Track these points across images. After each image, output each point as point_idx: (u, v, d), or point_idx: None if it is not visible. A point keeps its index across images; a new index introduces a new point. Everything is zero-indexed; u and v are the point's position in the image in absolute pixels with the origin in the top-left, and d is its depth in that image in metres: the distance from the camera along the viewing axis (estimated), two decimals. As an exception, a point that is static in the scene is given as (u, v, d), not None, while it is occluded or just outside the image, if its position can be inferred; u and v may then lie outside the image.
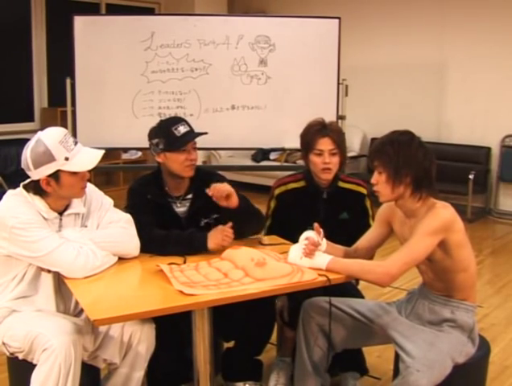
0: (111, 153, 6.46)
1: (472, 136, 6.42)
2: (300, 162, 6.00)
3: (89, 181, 2.21)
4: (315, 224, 2.21)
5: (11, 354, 2.08)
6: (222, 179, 2.50)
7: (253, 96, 4.93)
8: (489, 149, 6.35)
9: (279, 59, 4.91)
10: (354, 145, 7.02)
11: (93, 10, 7.25)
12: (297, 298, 2.36)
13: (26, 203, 2.08)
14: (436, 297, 2.18)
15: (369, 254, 2.40)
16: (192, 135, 2.46)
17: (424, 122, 6.43)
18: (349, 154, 6.12)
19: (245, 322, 2.43)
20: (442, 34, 6.58)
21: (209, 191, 2.37)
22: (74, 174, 2.08)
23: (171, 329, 2.31)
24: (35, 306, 2.14)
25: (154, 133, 2.51)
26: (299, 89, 4.95)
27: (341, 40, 4.92)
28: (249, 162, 7.20)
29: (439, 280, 2.16)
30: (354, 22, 6.65)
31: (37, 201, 2.10)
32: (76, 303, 2.19)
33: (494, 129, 6.30)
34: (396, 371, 2.17)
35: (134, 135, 4.83)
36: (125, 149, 7.15)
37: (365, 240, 2.36)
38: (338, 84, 4.99)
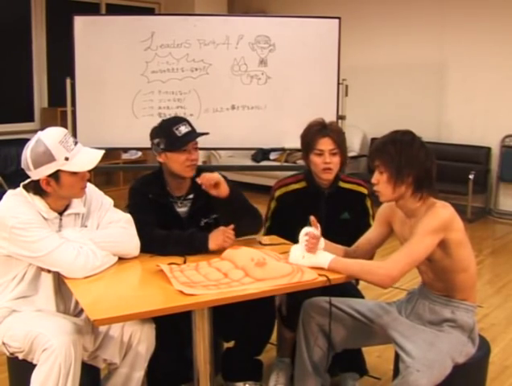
0: (111, 153, 6.46)
1: (472, 136, 6.42)
2: (300, 162, 6.02)
3: (89, 181, 2.21)
4: (311, 217, 2.20)
5: (11, 354, 2.08)
6: (232, 187, 2.49)
7: (253, 96, 4.93)
8: (489, 149, 6.35)
9: (279, 59, 4.91)
10: (354, 145, 7.02)
11: (93, 10, 7.26)
12: (296, 298, 2.36)
13: (27, 203, 2.08)
14: (437, 297, 2.18)
15: (369, 254, 2.40)
16: (192, 135, 2.45)
17: (424, 122, 6.43)
18: (349, 154, 6.12)
19: (245, 322, 2.43)
20: (442, 35, 6.58)
21: (199, 180, 2.37)
22: (74, 174, 2.08)
23: (171, 329, 2.31)
24: (35, 306, 2.14)
25: (155, 133, 2.51)
26: (299, 89, 4.95)
27: (341, 40, 4.92)
28: (249, 162, 7.20)
29: (439, 280, 2.16)
30: (354, 22, 6.65)
31: (37, 201, 2.10)
32: (76, 303, 2.19)
33: (494, 129, 6.30)
34: (396, 371, 2.17)
35: (134, 135, 4.84)
36: (125, 149, 7.15)
37: (365, 240, 2.36)
38: (338, 84, 4.99)
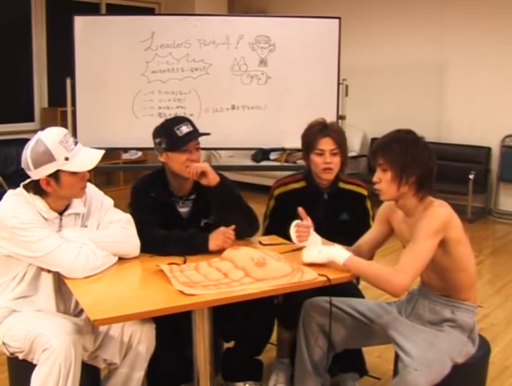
0: (111, 153, 6.46)
1: (473, 136, 6.42)
2: (300, 162, 6.02)
3: (89, 181, 2.21)
4: (300, 208, 2.20)
5: (11, 354, 2.08)
6: (226, 180, 2.49)
7: (253, 96, 4.94)
8: (489, 149, 6.35)
9: (279, 59, 4.91)
10: (354, 145, 7.02)
11: (93, 10, 7.26)
12: (293, 297, 2.35)
13: (27, 203, 2.08)
14: (437, 297, 2.18)
15: (371, 253, 2.40)
16: (193, 135, 2.45)
17: (424, 122, 6.42)
18: (349, 154, 6.11)
19: (245, 322, 2.43)
20: (442, 35, 6.58)
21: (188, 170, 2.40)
22: (74, 174, 2.08)
23: (171, 329, 2.31)
24: (35, 306, 2.14)
25: (157, 133, 2.51)
26: (299, 89, 4.95)
27: (341, 40, 4.92)
28: (250, 162, 7.20)
29: (439, 279, 2.16)
30: (354, 22, 6.65)
31: (37, 201, 2.10)
32: (77, 303, 2.19)
33: (494, 129, 6.30)
34: (396, 372, 2.16)
35: (134, 135, 4.84)
36: (126, 149, 7.15)
37: (366, 240, 2.36)
38: (338, 84, 4.99)
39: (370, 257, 2.44)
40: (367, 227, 2.53)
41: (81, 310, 2.18)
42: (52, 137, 2.06)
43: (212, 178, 2.41)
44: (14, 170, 5.94)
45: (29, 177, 2.10)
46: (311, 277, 2.06)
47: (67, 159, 2.05)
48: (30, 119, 6.94)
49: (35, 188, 2.09)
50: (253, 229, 2.53)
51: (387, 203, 2.26)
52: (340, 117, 5.09)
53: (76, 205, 2.21)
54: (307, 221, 2.20)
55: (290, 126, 4.78)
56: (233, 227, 2.33)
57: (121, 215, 2.28)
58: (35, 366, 1.96)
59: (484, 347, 2.21)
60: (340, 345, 2.35)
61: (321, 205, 2.66)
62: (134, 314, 1.86)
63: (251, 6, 7.94)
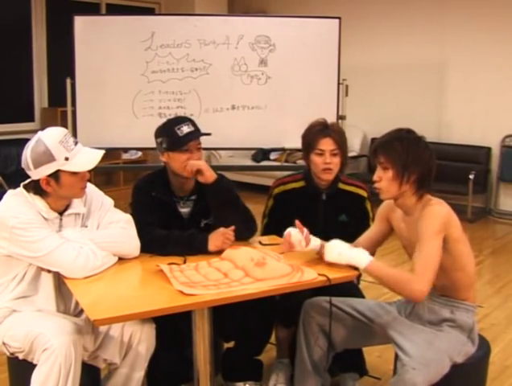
0: (111, 153, 6.46)
1: (473, 136, 6.42)
2: (300, 162, 6.02)
3: (89, 181, 2.21)
4: (296, 221, 2.20)
5: (11, 354, 2.08)
6: (224, 179, 2.49)
7: (253, 96, 4.94)
8: (489, 149, 6.35)
9: (279, 59, 4.91)
10: (354, 145, 7.02)
11: (93, 10, 7.26)
12: (296, 297, 2.35)
13: (27, 203, 2.08)
14: (436, 297, 2.18)
15: (370, 251, 2.40)
16: (193, 135, 2.44)
17: (424, 122, 6.42)
18: (350, 154, 6.11)
19: (245, 322, 2.43)
20: (442, 35, 6.58)
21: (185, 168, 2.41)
22: (74, 174, 2.08)
23: (171, 329, 2.31)
24: (36, 306, 2.14)
25: (158, 132, 2.51)
26: (299, 89, 4.95)
27: (341, 40, 4.92)
28: (250, 162, 7.20)
29: (438, 279, 2.15)
30: (354, 22, 6.65)
31: (37, 201, 2.10)
32: (77, 303, 2.19)
33: (494, 129, 6.30)
34: (396, 372, 2.17)
35: (135, 135, 4.84)
36: (126, 149, 7.15)
37: (365, 238, 2.36)
38: (338, 84, 4.99)
39: (371, 255, 2.44)
40: (367, 228, 2.53)
41: (81, 310, 2.18)
42: (52, 137, 2.06)
43: (209, 176, 2.41)
44: (14, 170, 5.95)
45: (29, 177, 2.10)
46: (311, 276, 2.06)
47: (67, 159, 2.05)
48: (31, 119, 6.94)
49: (35, 188, 2.09)
50: (251, 231, 2.51)
51: (387, 201, 2.26)
52: (340, 117, 5.09)
53: (76, 205, 2.21)
54: (302, 234, 2.19)
55: (290, 126, 4.78)
56: (232, 228, 2.33)
57: (121, 216, 2.28)
58: (35, 366, 1.96)
59: (484, 347, 2.21)
60: (340, 345, 2.35)
61: (320, 205, 2.66)
62: (134, 314, 1.86)
63: (251, 6, 7.94)
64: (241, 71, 4.91)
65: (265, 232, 2.70)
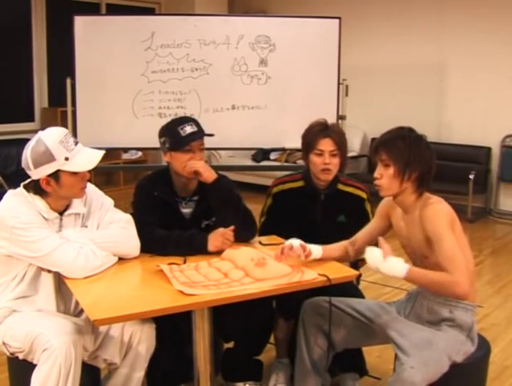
0: (111, 153, 6.46)
1: (473, 136, 6.42)
2: (300, 162, 6.01)
3: (89, 181, 2.21)
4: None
5: (11, 354, 2.08)
6: (224, 179, 2.49)
7: (253, 96, 4.94)
8: (489, 149, 6.36)
9: (279, 59, 4.91)
10: (354, 145, 7.02)
11: (93, 9, 7.26)
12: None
13: (27, 203, 2.08)
14: (435, 296, 2.18)
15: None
16: (195, 135, 2.43)
17: (424, 122, 6.40)
18: (349, 154, 6.11)
19: (245, 322, 2.43)
20: (442, 35, 6.58)
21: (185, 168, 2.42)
22: (74, 174, 2.08)
23: (171, 329, 2.31)
24: (36, 306, 2.14)
25: (162, 132, 2.50)
26: (299, 89, 4.95)
27: (341, 40, 4.92)
28: (250, 162, 7.21)
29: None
30: (354, 22, 6.65)
31: (37, 201, 2.10)
32: (77, 303, 2.19)
33: (494, 129, 6.30)
34: (395, 371, 2.17)
35: (135, 135, 4.84)
36: (126, 149, 7.15)
37: (365, 233, 2.36)
38: (338, 84, 4.99)
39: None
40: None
41: (81, 310, 2.18)
42: (53, 136, 2.06)
43: (208, 177, 2.41)
44: (15, 170, 5.94)
45: (29, 177, 2.10)
46: (311, 276, 2.06)
47: (67, 159, 2.05)
48: (31, 119, 6.95)
49: (35, 188, 2.09)
50: (251, 233, 2.50)
51: (388, 198, 2.27)
52: (341, 117, 5.09)
53: (77, 205, 2.21)
54: (301, 255, 2.18)
55: (290, 126, 4.78)
56: (232, 228, 2.32)
57: (121, 216, 2.28)
58: (35, 366, 1.96)
59: (484, 347, 2.21)
60: (340, 345, 2.35)
61: (318, 206, 2.67)
62: (134, 314, 1.86)
63: (251, 6, 7.94)
64: (241, 71, 4.91)
65: (262, 230, 2.70)
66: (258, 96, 4.93)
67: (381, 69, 7.03)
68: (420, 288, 2.26)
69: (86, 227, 2.23)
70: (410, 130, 2.15)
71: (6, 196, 2.11)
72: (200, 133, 2.45)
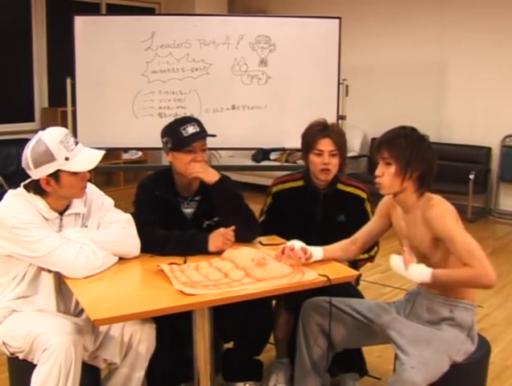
0: (111, 153, 6.46)
1: (473, 136, 6.42)
2: (300, 162, 6.01)
3: (90, 181, 2.21)
4: (301, 244, 2.20)
5: (11, 354, 2.08)
6: (226, 180, 2.49)
7: (253, 96, 4.94)
8: (489, 149, 6.36)
9: (280, 59, 4.91)
10: (354, 145, 7.02)
11: (94, 10, 7.26)
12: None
13: (27, 203, 2.08)
14: (435, 296, 2.18)
15: (368, 245, 2.40)
16: (198, 136, 2.43)
17: (424, 122, 6.37)
18: (349, 154, 6.12)
19: (245, 323, 2.43)
20: (442, 34, 6.58)
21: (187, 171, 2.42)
22: (74, 174, 2.08)
23: (170, 328, 2.31)
24: (36, 306, 2.14)
25: (164, 132, 2.50)
26: (299, 89, 4.95)
27: (341, 40, 4.92)
28: (250, 162, 7.20)
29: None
30: (354, 22, 6.65)
31: (38, 201, 2.10)
32: (77, 303, 2.19)
33: (495, 129, 6.30)
34: (395, 371, 2.17)
35: (135, 135, 4.84)
36: (126, 149, 7.15)
37: (365, 232, 2.36)
38: (338, 84, 4.99)
39: (370, 248, 2.44)
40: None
41: (81, 310, 2.18)
42: (53, 136, 2.06)
43: (209, 180, 2.41)
44: (15, 170, 5.95)
45: (29, 177, 2.10)
46: (311, 277, 2.06)
47: (67, 159, 2.05)
48: (31, 119, 6.95)
49: (36, 188, 2.09)
50: (252, 233, 2.49)
51: (388, 197, 2.27)
52: (341, 117, 5.09)
53: (77, 205, 2.21)
54: (302, 258, 2.18)
55: (290, 126, 4.78)
56: (232, 228, 2.32)
57: (121, 215, 2.28)
58: (35, 366, 1.96)
59: (484, 347, 2.21)
60: (340, 345, 2.35)
61: (317, 205, 2.67)
62: (135, 313, 1.86)
63: (251, 6, 7.94)
64: (242, 71, 4.91)
65: (262, 229, 2.70)
66: (258, 96, 4.94)
67: (382, 69, 7.03)
68: (420, 288, 2.27)
69: (86, 227, 2.23)
70: (413, 130, 2.15)
71: (6, 196, 2.11)
72: (202, 134, 2.45)
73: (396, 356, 2.07)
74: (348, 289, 2.56)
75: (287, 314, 2.63)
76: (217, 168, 2.54)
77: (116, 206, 2.33)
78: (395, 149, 2.09)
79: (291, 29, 4.93)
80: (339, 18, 4.93)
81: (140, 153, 7.59)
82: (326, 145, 2.56)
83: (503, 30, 6.15)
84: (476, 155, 6.36)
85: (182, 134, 2.41)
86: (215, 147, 5.62)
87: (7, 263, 2.10)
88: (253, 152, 7.17)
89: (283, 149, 5.73)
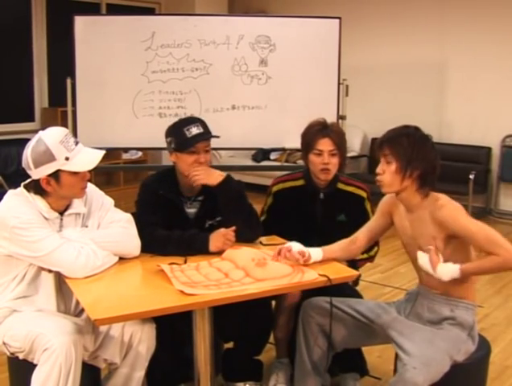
0: (111, 153, 6.45)
1: (473, 136, 6.42)
2: (300, 162, 6.01)
3: (90, 181, 2.21)
4: (301, 247, 2.20)
5: (12, 354, 2.08)
6: (229, 181, 2.49)
7: (253, 96, 4.93)
8: (489, 149, 6.35)
9: (280, 59, 4.91)
10: (354, 145, 7.02)
11: (94, 9, 7.26)
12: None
13: (27, 203, 2.08)
14: (435, 296, 2.18)
15: (369, 244, 2.40)
16: (201, 137, 2.42)
17: (424, 122, 6.32)
18: (349, 154, 6.12)
19: (244, 323, 2.43)
20: (442, 35, 6.58)
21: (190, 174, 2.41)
22: (74, 174, 2.08)
23: (170, 328, 2.31)
24: (36, 306, 2.14)
25: (168, 132, 2.50)
26: (299, 89, 4.95)
27: (341, 40, 4.92)
28: (250, 162, 7.20)
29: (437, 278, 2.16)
30: (354, 22, 6.65)
31: (38, 201, 2.10)
32: (77, 303, 2.19)
33: (495, 129, 6.30)
34: (396, 371, 2.17)
35: (135, 135, 4.84)
36: (126, 149, 7.15)
37: (365, 230, 2.36)
38: (338, 84, 4.99)
39: (370, 248, 2.44)
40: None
41: (82, 310, 2.19)
42: (53, 136, 2.07)
43: (213, 182, 2.41)
44: (15, 170, 5.94)
45: (29, 177, 2.10)
46: (311, 277, 2.06)
47: (67, 159, 2.05)
48: (31, 119, 6.94)
49: (36, 188, 2.10)
50: (254, 233, 2.49)
51: (390, 195, 2.27)
52: (341, 117, 5.09)
53: (77, 205, 2.21)
54: (300, 259, 2.18)
55: (290, 126, 4.77)
56: (233, 228, 2.32)
57: (121, 215, 2.28)
58: (35, 366, 1.96)
59: (484, 347, 2.21)
60: (340, 345, 2.35)
61: (318, 204, 2.67)
62: (135, 313, 1.86)
63: (251, 6, 7.94)
64: (242, 71, 4.91)
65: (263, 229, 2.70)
66: (258, 96, 4.93)
67: (382, 69, 7.03)
68: (420, 288, 2.27)
69: (87, 226, 2.23)
70: (417, 129, 2.15)
71: (6, 196, 2.11)
72: (205, 135, 2.45)
73: (397, 356, 2.07)
74: (346, 288, 2.56)
75: (287, 314, 2.63)
76: (217, 168, 2.54)
77: (116, 206, 2.33)
78: (396, 147, 2.09)
79: (291, 29, 4.93)
80: (339, 18, 4.92)
81: (140, 154, 7.59)
82: (326, 144, 2.57)
83: (503, 30, 6.15)
84: (476, 155, 6.36)
85: (185, 135, 2.40)
86: (215, 147, 5.59)
87: (7, 263, 2.10)
88: (253, 152, 7.17)
89: (283, 149, 5.72)
